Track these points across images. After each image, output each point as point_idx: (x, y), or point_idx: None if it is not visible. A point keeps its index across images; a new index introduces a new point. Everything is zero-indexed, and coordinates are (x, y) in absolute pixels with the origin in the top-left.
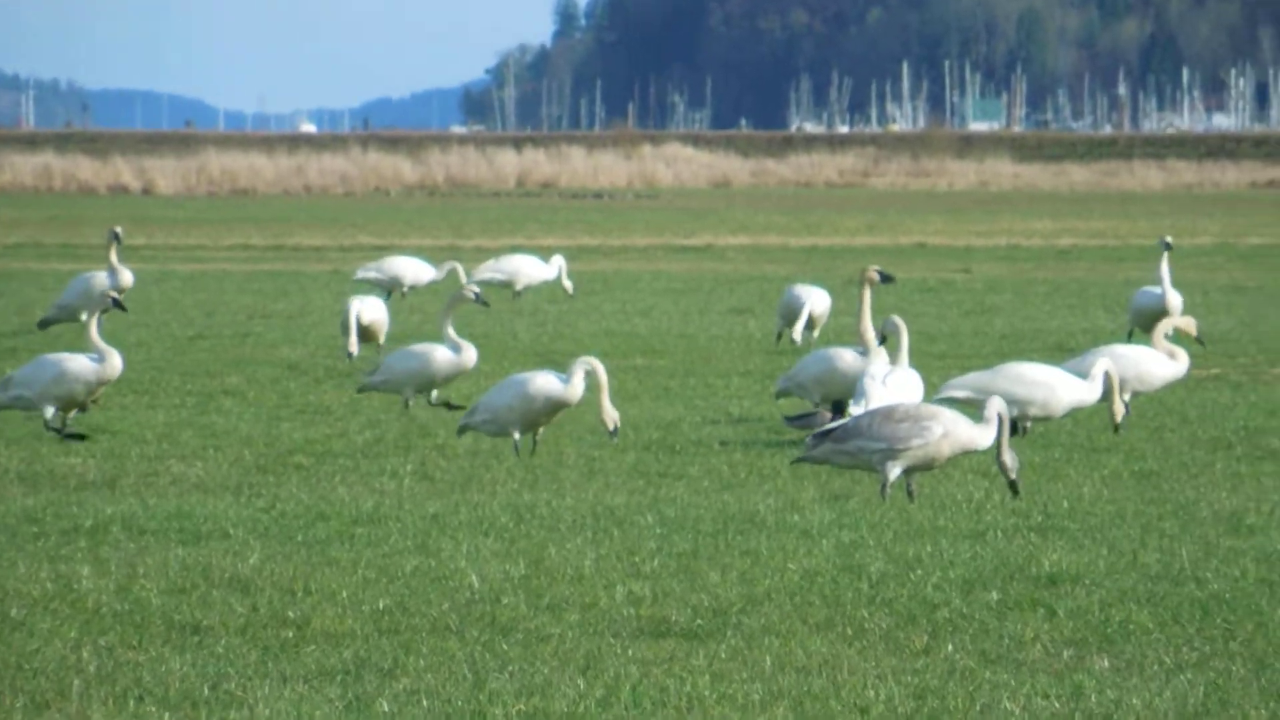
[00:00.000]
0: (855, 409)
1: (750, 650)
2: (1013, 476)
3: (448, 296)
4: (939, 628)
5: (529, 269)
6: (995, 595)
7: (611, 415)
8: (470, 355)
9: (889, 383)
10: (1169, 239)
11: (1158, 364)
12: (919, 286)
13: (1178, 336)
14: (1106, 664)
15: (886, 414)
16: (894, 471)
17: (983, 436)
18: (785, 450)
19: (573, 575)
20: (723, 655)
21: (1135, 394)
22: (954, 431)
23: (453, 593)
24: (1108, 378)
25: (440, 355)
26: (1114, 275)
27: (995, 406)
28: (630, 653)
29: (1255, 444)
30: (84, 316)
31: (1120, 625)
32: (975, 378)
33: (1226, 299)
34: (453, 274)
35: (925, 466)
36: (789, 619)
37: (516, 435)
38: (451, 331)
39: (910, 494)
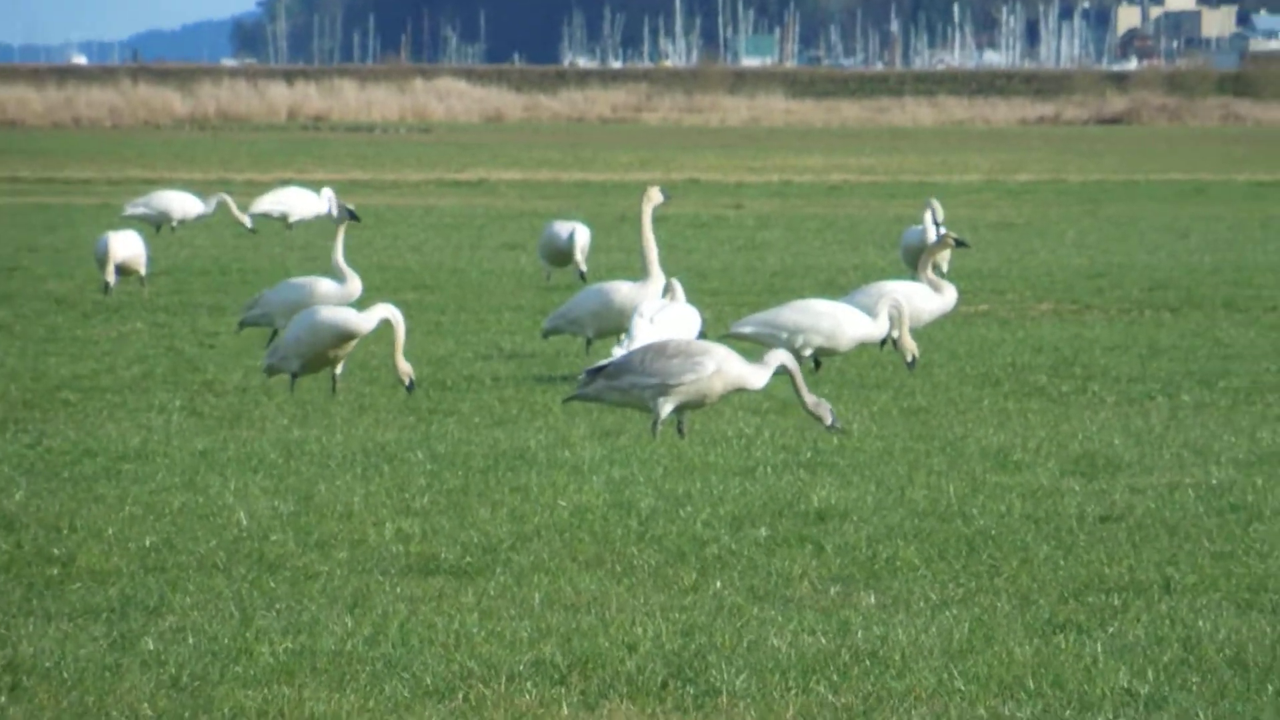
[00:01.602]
0: (619, 350)
1: (519, 587)
2: (828, 420)
3: (333, 225)
4: (708, 564)
5: (304, 203)
6: (764, 532)
7: (405, 368)
8: (355, 286)
9: (657, 320)
10: (941, 224)
11: (925, 298)
12: (691, 222)
13: (949, 275)
14: (873, 600)
15: (659, 349)
16: (666, 408)
17: (755, 377)
18: (557, 386)
19: (342, 512)
20: (491, 592)
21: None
22: (726, 368)
23: (220, 530)
24: (895, 313)
25: (323, 287)
26: (884, 212)
27: (778, 356)
28: (399, 590)
29: (1022, 380)
30: None
31: (887, 561)
32: (762, 314)
33: (995, 235)
34: (222, 207)
35: (698, 403)
36: (558, 556)
37: (295, 367)
38: (341, 261)
39: (681, 431)
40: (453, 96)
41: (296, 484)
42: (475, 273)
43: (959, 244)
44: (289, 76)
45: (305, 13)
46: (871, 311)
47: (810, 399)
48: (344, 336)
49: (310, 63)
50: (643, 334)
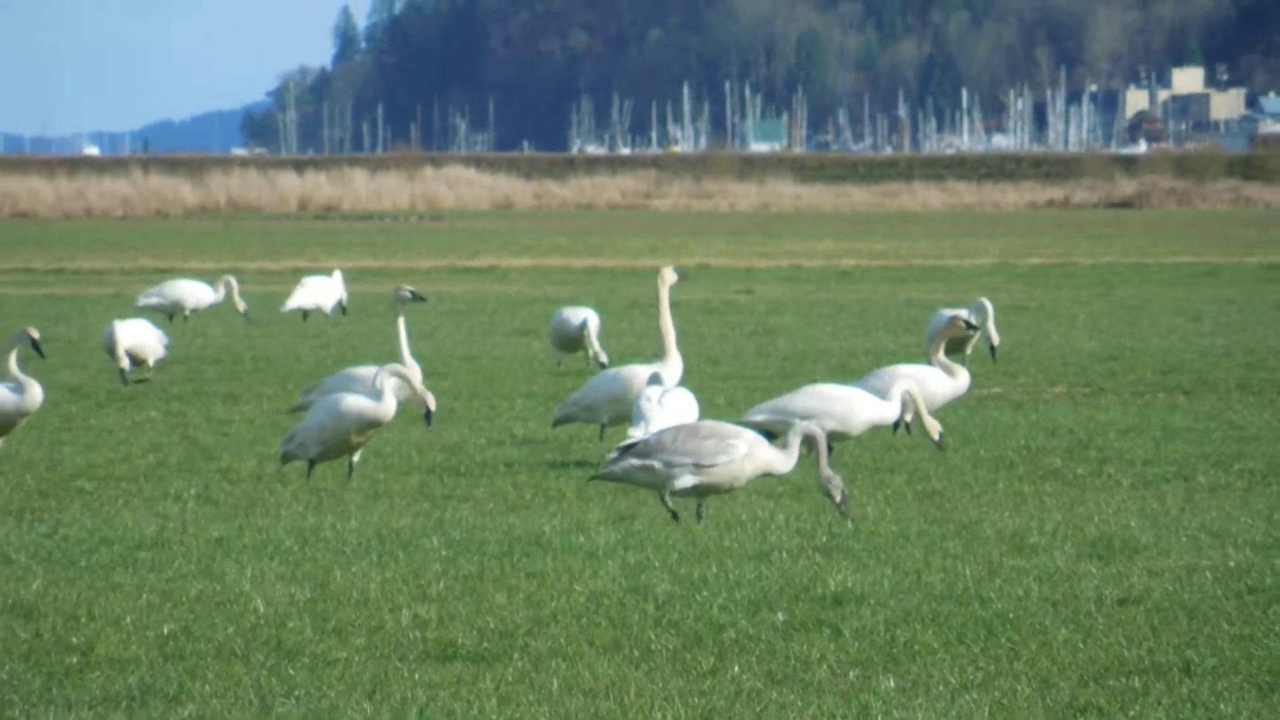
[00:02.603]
0: (635, 432)
1: (537, 673)
2: (837, 498)
3: (391, 312)
4: (725, 649)
5: (329, 293)
6: (781, 616)
7: (427, 398)
8: (414, 372)
9: (665, 403)
10: (978, 322)
11: (937, 382)
12: (702, 308)
13: (962, 359)
14: (892, 684)
15: (692, 430)
16: (688, 482)
17: (781, 462)
18: (570, 472)
19: (359, 598)
20: (510, 678)
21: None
22: (756, 452)
23: (238, 617)
24: (908, 398)
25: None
26: (895, 296)
27: (800, 430)
28: (417, 676)
29: (1037, 463)
30: None
31: (905, 645)
32: (774, 401)
33: (1007, 319)
34: (229, 291)
35: (726, 487)
36: (575, 641)
37: (313, 454)
38: (406, 351)
39: (699, 515)
40: (462, 184)
41: (313, 570)
42: (487, 359)
43: (969, 328)
44: (299, 166)
45: (315, 102)
46: (883, 395)
47: (826, 471)
48: (369, 424)
49: (320, 152)
50: (656, 417)
